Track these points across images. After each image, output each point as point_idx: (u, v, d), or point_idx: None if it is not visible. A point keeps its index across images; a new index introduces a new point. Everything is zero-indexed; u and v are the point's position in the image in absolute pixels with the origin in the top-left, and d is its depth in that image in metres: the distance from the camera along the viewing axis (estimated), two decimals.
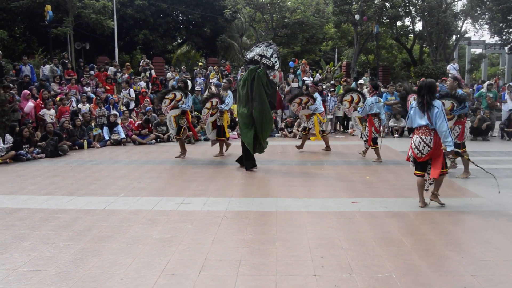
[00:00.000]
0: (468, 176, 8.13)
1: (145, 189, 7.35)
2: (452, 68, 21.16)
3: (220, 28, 30.97)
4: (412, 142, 6.07)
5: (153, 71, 19.46)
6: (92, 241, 4.81)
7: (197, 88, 17.61)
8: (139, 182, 7.87)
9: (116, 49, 25.21)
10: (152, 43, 29.11)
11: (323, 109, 11.41)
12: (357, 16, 26.18)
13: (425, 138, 5.87)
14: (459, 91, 7.63)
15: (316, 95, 11.31)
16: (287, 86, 17.91)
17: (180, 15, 31.65)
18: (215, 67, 20.74)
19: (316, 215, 5.72)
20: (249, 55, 9.26)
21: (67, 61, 17.78)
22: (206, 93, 16.68)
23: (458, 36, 28.86)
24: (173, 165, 9.71)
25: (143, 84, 17.61)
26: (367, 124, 10.02)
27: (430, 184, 6.17)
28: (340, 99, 10.93)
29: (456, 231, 5.11)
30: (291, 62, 22.51)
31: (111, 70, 18.39)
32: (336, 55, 36.89)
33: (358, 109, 10.29)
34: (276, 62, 9.03)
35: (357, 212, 5.86)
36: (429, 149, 5.89)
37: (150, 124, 13.92)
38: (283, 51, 32.20)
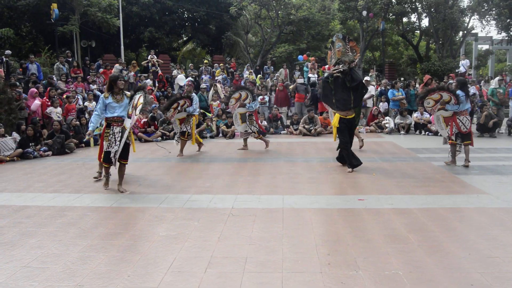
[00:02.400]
0: (454, 164, 8.88)
1: (151, 186, 7.38)
2: (461, 65, 20.98)
3: (226, 25, 30.93)
4: (458, 121, 8.59)
5: (159, 69, 19.50)
6: (99, 238, 4.83)
7: (203, 85, 17.65)
8: (145, 180, 7.89)
9: (122, 47, 25.20)
10: (158, 41, 29.07)
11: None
12: (364, 13, 26.09)
13: (468, 117, 8.69)
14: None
15: (193, 95, 10.57)
16: (291, 83, 17.91)
17: (186, 12, 31.60)
18: (221, 64, 20.78)
19: (322, 212, 5.72)
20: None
21: (70, 59, 17.85)
22: (212, 90, 16.73)
23: (465, 32, 28.61)
24: (179, 162, 9.73)
25: (149, 82, 17.67)
26: (254, 118, 11.17)
27: (460, 147, 8.82)
28: (229, 96, 11.02)
29: (463, 228, 5.09)
30: (300, 56, 22.42)
31: (116, 68, 18.43)
32: None
33: (247, 105, 10.96)
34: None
35: (363, 209, 5.85)
36: (469, 123, 8.68)
37: (156, 122, 13.98)
38: (288, 48, 32.13)
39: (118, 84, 6.89)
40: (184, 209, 5.93)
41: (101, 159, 7.12)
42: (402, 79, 26.30)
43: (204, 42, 31.97)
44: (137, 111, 6.94)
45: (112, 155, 6.88)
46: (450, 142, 8.85)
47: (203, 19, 30.59)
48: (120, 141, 6.88)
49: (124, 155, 7.05)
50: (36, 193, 7.01)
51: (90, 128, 7.03)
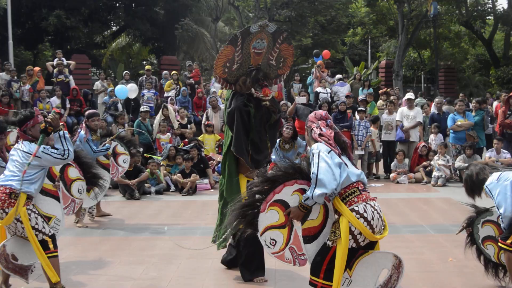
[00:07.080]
0: None
1: None
2: None
3: (182, 8, 31.01)
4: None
5: (71, 79, 19.52)
6: None
7: (144, 108, 17.07)
8: None
9: (11, 42, 24.64)
10: (70, 32, 28.71)
11: None
12: None
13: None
14: None
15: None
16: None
17: None
18: (174, 72, 20.53)
19: None
20: None
21: None
22: (160, 115, 16.45)
23: None
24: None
25: (56, 101, 17.66)
26: None
27: None
28: None
29: None
30: (316, 52, 21.79)
31: (2, 78, 18.18)
32: (369, 51, 37.29)
33: None
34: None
35: None
36: None
37: None
38: None
39: None
40: None
41: None
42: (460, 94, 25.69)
43: (145, 35, 31.74)
44: None
45: None
46: None
47: None
48: None
49: None
50: None
51: None
